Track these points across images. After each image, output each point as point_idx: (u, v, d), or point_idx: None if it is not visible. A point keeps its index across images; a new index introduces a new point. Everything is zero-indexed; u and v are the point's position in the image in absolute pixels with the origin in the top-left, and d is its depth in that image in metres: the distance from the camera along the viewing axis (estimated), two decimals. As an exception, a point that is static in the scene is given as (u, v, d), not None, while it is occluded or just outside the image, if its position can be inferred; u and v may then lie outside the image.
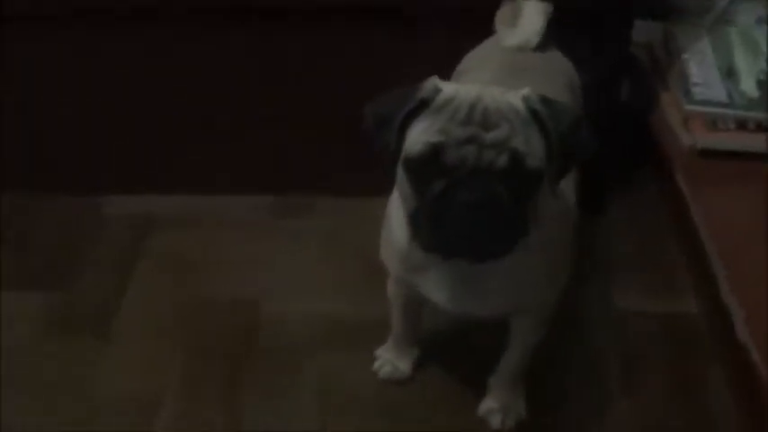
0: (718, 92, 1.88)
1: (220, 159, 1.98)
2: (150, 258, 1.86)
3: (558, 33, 1.58)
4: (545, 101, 1.17)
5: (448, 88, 1.17)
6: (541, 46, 1.55)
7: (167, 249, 1.89)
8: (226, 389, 1.60)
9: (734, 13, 2.18)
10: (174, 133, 1.95)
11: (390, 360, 1.62)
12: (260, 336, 1.70)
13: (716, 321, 1.64)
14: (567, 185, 1.34)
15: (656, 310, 1.77)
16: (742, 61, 1.95)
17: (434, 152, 1.12)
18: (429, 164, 1.13)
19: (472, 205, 1.11)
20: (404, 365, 1.62)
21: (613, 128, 1.89)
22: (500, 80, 1.47)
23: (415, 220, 1.17)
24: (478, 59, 1.58)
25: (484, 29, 1.62)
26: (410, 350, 1.62)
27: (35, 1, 1.76)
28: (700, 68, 1.93)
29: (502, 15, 1.59)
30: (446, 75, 1.51)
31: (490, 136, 1.12)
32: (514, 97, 1.16)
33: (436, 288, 1.31)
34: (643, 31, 2.15)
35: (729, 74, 1.92)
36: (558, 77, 1.55)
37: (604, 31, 1.78)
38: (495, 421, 1.54)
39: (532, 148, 1.14)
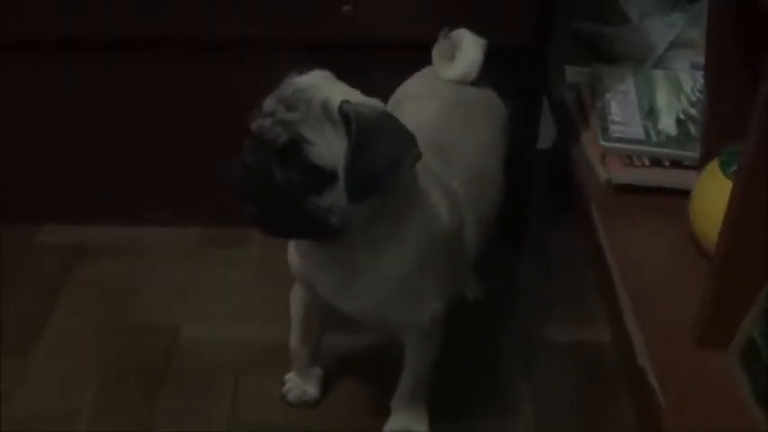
0: (635, 130, 1.93)
1: (155, 192, 2.03)
2: (78, 285, 1.90)
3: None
4: (373, 118, 1.22)
5: (303, 77, 1.26)
6: (477, 81, 1.61)
7: (96, 277, 1.93)
8: (138, 411, 1.62)
9: (669, 59, 2.25)
10: (109, 165, 2.00)
11: (298, 384, 1.65)
12: (178, 360, 1.73)
13: (621, 349, 1.67)
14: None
15: (569, 338, 1.81)
16: (664, 101, 2.01)
17: (249, 123, 1.24)
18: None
19: (246, 169, 1.22)
20: (311, 389, 1.65)
21: (530, 163, 1.95)
22: (449, 110, 1.56)
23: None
24: (424, 89, 1.63)
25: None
26: (313, 371, 1.65)
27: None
28: (621, 107, 1.99)
29: (440, 49, 1.64)
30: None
31: (286, 115, 1.20)
32: (337, 98, 1.22)
33: (320, 279, 1.39)
34: (576, 74, 2.23)
35: (650, 113, 1.97)
36: (494, 113, 1.63)
37: (520, 72, 1.84)
38: (398, 442, 1.57)
39: (324, 143, 1.20)
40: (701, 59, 2.12)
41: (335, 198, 1.21)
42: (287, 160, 1.20)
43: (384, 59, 1.80)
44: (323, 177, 1.20)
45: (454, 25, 1.63)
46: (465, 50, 1.60)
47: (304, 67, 1.29)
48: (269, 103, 1.23)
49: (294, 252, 1.43)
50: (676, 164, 1.89)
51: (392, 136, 1.23)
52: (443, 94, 1.58)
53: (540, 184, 2.11)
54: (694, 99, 1.98)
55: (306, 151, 1.19)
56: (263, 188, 1.22)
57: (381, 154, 1.20)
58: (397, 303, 1.37)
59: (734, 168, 1.60)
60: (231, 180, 1.24)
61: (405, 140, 1.23)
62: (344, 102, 1.21)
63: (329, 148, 1.20)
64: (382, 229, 1.30)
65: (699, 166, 1.81)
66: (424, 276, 1.36)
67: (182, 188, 2.03)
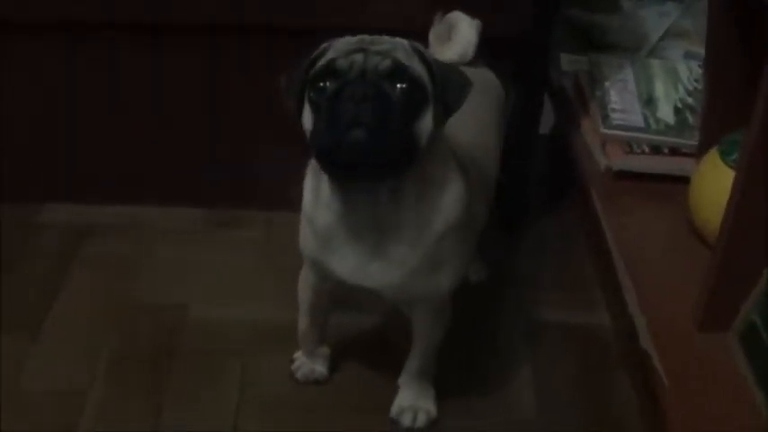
0: (635, 118, 1.97)
1: (156, 171, 2.04)
2: (83, 264, 1.92)
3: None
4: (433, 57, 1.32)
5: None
6: (474, 61, 1.64)
7: (101, 256, 1.95)
8: (148, 391, 1.65)
9: (663, 48, 2.29)
10: (112, 144, 2.01)
11: (307, 362, 1.68)
12: (185, 338, 1.75)
13: (623, 331, 1.71)
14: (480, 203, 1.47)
15: (569, 321, 1.84)
16: (662, 90, 2.05)
17: (329, 65, 1.26)
18: (325, 77, 1.26)
19: (359, 98, 1.23)
20: (320, 367, 1.68)
21: (531, 150, 1.99)
22: None
23: (314, 136, 1.27)
24: None
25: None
26: (321, 351, 1.68)
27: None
28: (620, 96, 2.02)
29: (437, 32, 1.67)
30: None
31: (375, 47, 1.27)
32: (400, 40, 1.31)
33: (340, 258, 1.40)
34: (572, 62, 2.26)
35: (649, 102, 2.01)
36: (492, 92, 1.67)
37: (521, 60, 1.88)
38: (406, 420, 1.60)
39: (415, 65, 1.27)
40: (694, 49, 2.18)
41: (427, 123, 1.28)
42: (393, 83, 1.25)
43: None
44: (421, 98, 1.27)
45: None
46: (460, 31, 1.64)
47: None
48: (345, 46, 1.27)
49: (309, 236, 1.44)
50: (674, 151, 1.93)
51: (450, 66, 1.35)
52: None
53: (538, 169, 2.15)
54: (691, 89, 2.03)
55: (411, 70, 1.26)
56: (378, 107, 1.23)
57: (454, 78, 1.31)
58: (424, 270, 1.39)
59: (734, 157, 1.63)
60: (323, 119, 1.25)
61: (458, 69, 1.35)
62: (410, 41, 1.31)
63: (419, 70, 1.27)
64: (436, 172, 1.35)
65: (697, 154, 1.85)
66: (459, 236, 1.40)
67: (184, 167, 2.04)
